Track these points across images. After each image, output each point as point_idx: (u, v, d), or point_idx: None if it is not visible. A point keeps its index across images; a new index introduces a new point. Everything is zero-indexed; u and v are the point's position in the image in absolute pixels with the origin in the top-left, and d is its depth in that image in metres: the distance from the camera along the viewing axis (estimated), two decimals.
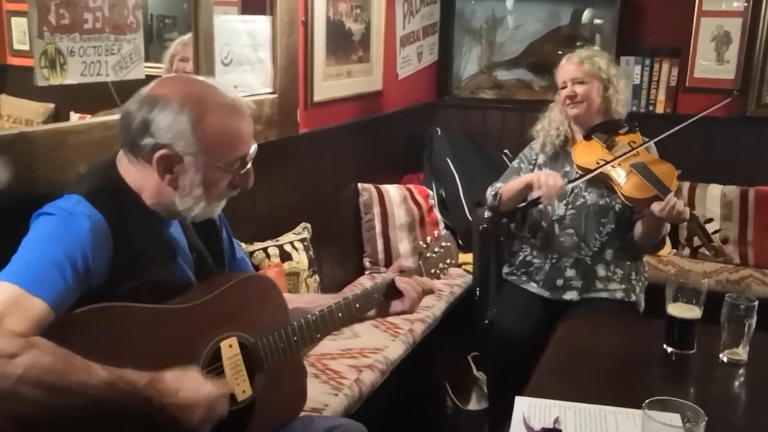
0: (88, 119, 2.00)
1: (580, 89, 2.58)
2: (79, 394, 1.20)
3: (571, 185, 2.52)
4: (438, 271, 1.80)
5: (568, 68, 2.62)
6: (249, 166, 1.48)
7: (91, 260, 1.32)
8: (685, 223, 2.44)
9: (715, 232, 2.44)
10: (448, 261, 1.81)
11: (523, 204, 2.55)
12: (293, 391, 1.65)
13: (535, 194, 2.47)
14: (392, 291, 1.70)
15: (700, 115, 2.58)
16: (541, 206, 2.55)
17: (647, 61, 3.83)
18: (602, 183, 2.53)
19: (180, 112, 1.38)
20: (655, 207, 2.33)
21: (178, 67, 2.30)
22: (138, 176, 1.44)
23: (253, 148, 1.48)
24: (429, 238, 1.81)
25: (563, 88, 2.63)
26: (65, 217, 1.33)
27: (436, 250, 1.80)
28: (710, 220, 2.57)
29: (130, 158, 1.44)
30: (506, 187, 2.63)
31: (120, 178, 1.44)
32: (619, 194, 2.46)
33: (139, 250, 1.40)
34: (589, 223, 2.57)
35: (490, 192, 2.72)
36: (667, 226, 2.55)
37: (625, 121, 2.65)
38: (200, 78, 1.50)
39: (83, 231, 1.32)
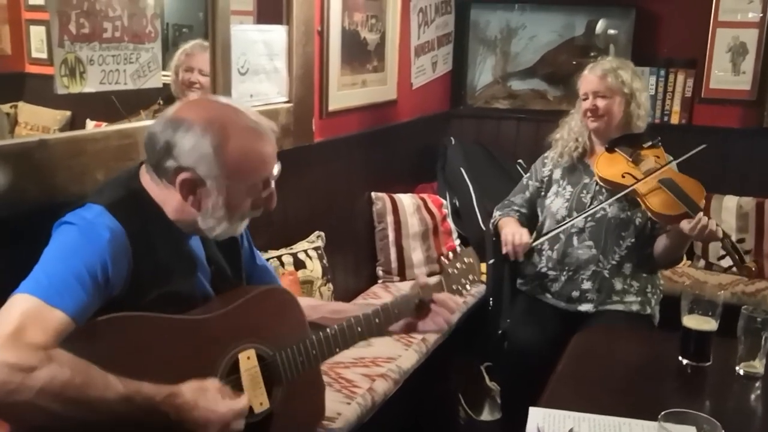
0: (105, 127, 2.01)
1: (601, 103, 2.55)
2: (96, 408, 1.21)
3: (538, 241, 2.56)
4: (460, 287, 1.77)
5: (590, 80, 2.58)
6: (272, 187, 1.49)
7: (110, 270, 1.32)
8: (720, 243, 2.39)
9: (748, 252, 2.40)
10: (471, 277, 1.78)
11: (491, 261, 2.65)
12: (311, 405, 1.65)
13: (503, 250, 2.54)
14: (421, 306, 1.68)
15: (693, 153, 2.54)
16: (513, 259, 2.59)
17: (662, 72, 3.81)
18: (624, 196, 2.49)
19: (203, 136, 1.38)
20: (685, 225, 2.29)
21: (184, 78, 2.30)
22: (161, 193, 1.44)
23: (276, 168, 1.48)
24: (451, 254, 1.78)
25: (585, 99, 2.59)
26: (85, 227, 1.34)
27: (458, 265, 1.76)
28: (742, 240, 2.51)
29: (153, 177, 1.45)
30: (500, 223, 2.69)
31: (143, 189, 1.45)
32: (647, 210, 2.42)
33: (160, 261, 1.41)
34: (609, 236, 2.54)
35: (491, 220, 2.76)
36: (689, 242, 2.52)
37: (647, 135, 2.62)
38: (224, 101, 1.50)
39: (103, 241, 1.33)
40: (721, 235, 2.33)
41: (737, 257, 2.37)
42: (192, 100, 1.55)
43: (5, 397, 1.15)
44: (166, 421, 1.29)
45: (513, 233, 2.53)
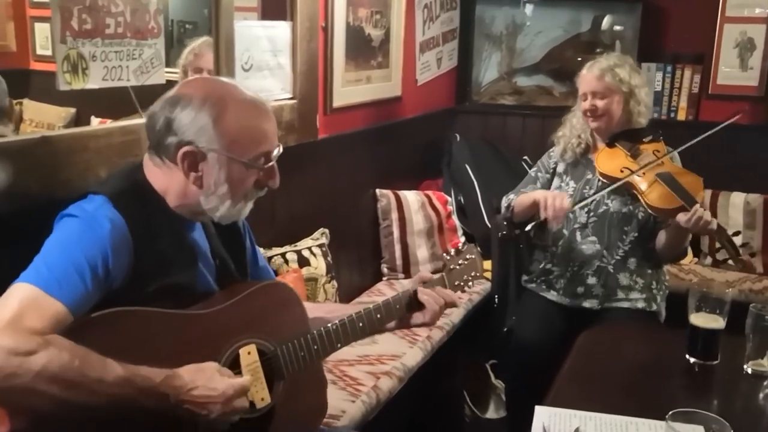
0: (109, 123, 2.01)
1: (600, 103, 2.54)
2: (95, 391, 1.21)
3: (577, 206, 2.48)
4: (462, 284, 1.76)
5: (588, 80, 2.57)
6: (273, 163, 1.48)
7: (111, 262, 1.32)
8: (712, 236, 2.40)
9: (743, 245, 2.40)
10: (472, 273, 1.77)
11: (529, 227, 2.50)
12: (313, 401, 1.64)
13: (542, 215, 2.42)
14: (414, 302, 1.67)
15: (724, 124, 2.53)
16: (550, 227, 2.51)
17: (669, 68, 3.79)
18: (626, 191, 2.50)
19: (201, 109, 1.39)
20: (682, 218, 2.29)
21: None
22: (163, 178, 1.45)
23: (278, 147, 1.48)
24: (453, 250, 1.76)
25: (584, 99, 2.58)
26: (87, 220, 1.34)
27: (460, 262, 1.76)
28: (738, 233, 2.51)
29: (155, 161, 1.45)
30: (518, 200, 2.61)
31: (145, 180, 1.45)
32: (644, 204, 2.42)
33: (161, 253, 1.41)
34: (612, 231, 2.53)
35: (504, 203, 2.71)
36: (690, 236, 2.51)
37: (648, 130, 2.62)
38: (221, 78, 1.52)
39: (104, 233, 1.33)
40: (716, 228, 2.32)
41: (733, 251, 2.37)
42: (189, 79, 1.56)
43: (3, 382, 1.16)
44: (165, 404, 1.29)
45: (553, 196, 2.39)
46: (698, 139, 2.48)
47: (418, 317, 1.69)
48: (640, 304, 2.53)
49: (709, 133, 2.50)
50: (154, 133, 1.43)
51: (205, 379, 1.31)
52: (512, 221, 2.67)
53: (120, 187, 1.42)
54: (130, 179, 1.45)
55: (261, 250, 2.26)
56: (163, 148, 1.42)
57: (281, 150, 1.49)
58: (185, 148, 1.40)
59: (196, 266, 1.49)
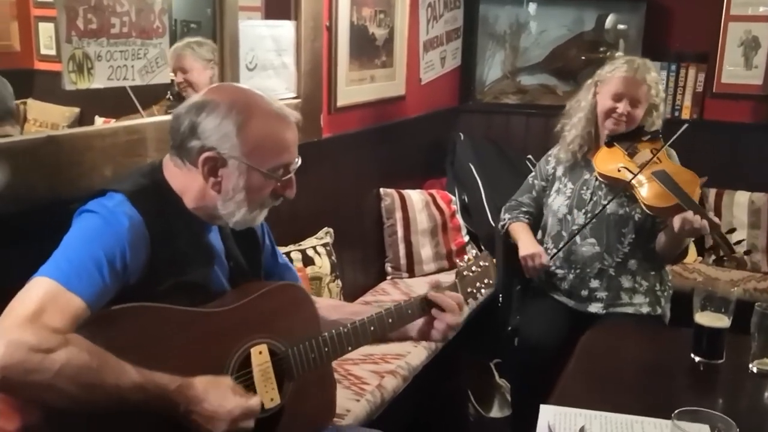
0: (113, 123, 2.01)
1: (635, 112, 2.49)
2: (110, 393, 1.23)
3: (552, 259, 2.57)
4: (474, 291, 1.75)
5: (632, 84, 2.47)
6: (291, 175, 1.50)
7: (129, 257, 1.34)
8: (708, 235, 2.38)
9: (738, 242, 2.39)
10: (486, 281, 1.76)
11: (518, 288, 2.73)
12: (322, 402, 1.64)
13: (527, 275, 2.59)
14: (426, 307, 1.66)
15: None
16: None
17: (673, 67, 3.78)
18: (622, 192, 2.47)
19: (226, 116, 1.41)
20: (676, 223, 2.25)
21: (178, 82, 2.31)
22: (183, 180, 1.46)
23: (297, 159, 1.50)
24: (467, 257, 1.76)
25: (616, 99, 2.49)
26: (106, 216, 1.36)
27: (473, 269, 1.75)
28: (733, 230, 2.50)
29: (176, 162, 1.47)
30: (511, 229, 2.71)
31: (164, 180, 1.47)
32: (640, 203, 2.40)
33: (177, 251, 1.42)
34: (611, 232, 2.51)
35: (502, 217, 2.77)
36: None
37: (648, 128, 2.59)
38: (248, 87, 1.53)
39: (122, 229, 1.34)
40: (708, 231, 2.27)
41: (727, 248, 2.34)
42: (216, 85, 1.58)
43: (24, 376, 1.17)
44: (175, 412, 1.30)
45: (531, 256, 2.54)
46: (680, 131, 2.44)
47: (439, 324, 1.65)
48: (645, 309, 2.52)
49: (669, 142, 2.49)
50: (177, 135, 1.45)
51: (216, 395, 1.32)
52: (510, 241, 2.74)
53: (139, 186, 1.43)
54: (149, 178, 1.46)
55: None
56: (185, 151, 1.44)
57: (300, 162, 1.51)
58: (207, 153, 1.42)
59: (211, 266, 1.50)
